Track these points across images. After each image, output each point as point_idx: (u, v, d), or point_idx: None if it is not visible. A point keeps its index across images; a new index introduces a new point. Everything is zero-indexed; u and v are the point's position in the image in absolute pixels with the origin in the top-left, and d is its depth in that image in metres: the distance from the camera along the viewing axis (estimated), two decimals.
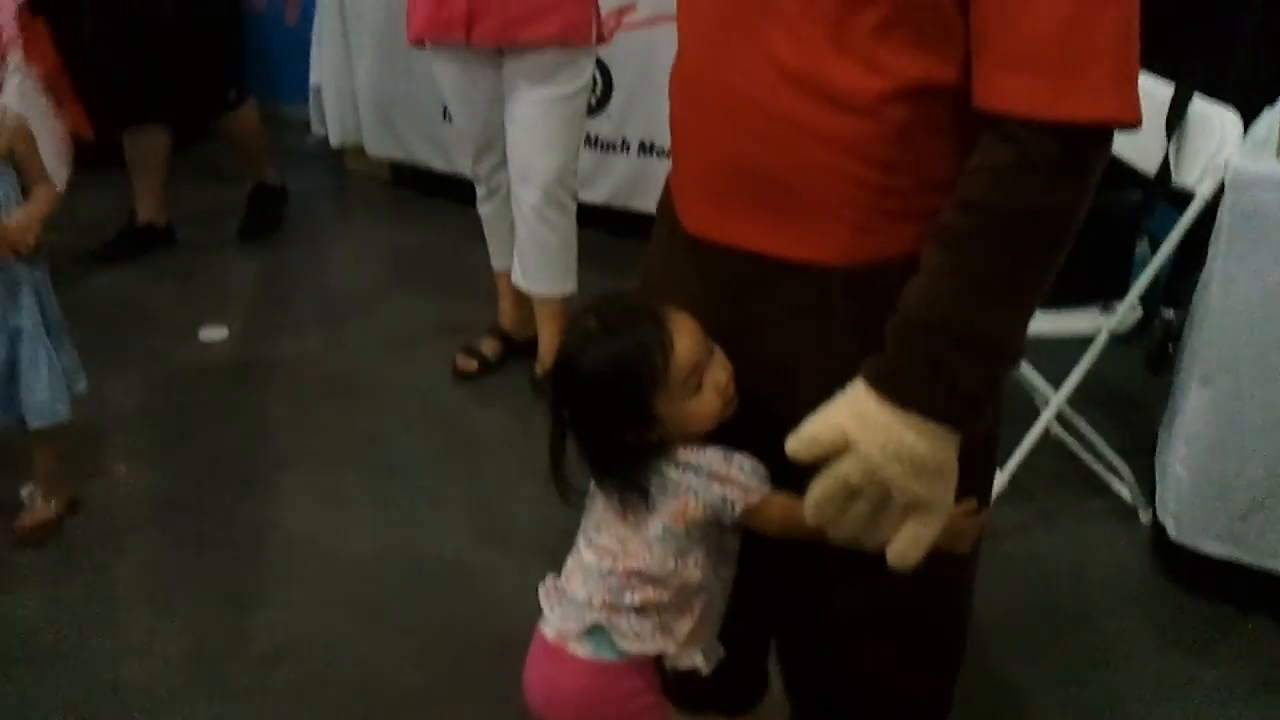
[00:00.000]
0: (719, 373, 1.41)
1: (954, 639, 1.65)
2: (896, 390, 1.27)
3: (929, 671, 1.64)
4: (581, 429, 1.46)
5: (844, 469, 1.29)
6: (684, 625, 1.50)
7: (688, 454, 1.42)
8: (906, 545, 1.31)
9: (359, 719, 2.15)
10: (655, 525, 1.45)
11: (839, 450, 1.29)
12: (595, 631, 1.51)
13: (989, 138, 1.22)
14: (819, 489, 1.31)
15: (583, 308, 1.47)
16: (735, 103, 1.34)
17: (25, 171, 2.49)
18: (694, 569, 1.46)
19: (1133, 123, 1.21)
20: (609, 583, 1.48)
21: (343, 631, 2.38)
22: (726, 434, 1.48)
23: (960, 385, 1.26)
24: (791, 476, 1.35)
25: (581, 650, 1.52)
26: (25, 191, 2.48)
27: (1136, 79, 1.21)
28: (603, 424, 1.44)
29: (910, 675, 1.62)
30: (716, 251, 1.43)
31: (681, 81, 1.46)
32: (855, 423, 1.28)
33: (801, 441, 1.30)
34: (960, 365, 1.25)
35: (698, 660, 1.53)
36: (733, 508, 1.42)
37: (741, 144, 1.35)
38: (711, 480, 1.41)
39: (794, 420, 1.31)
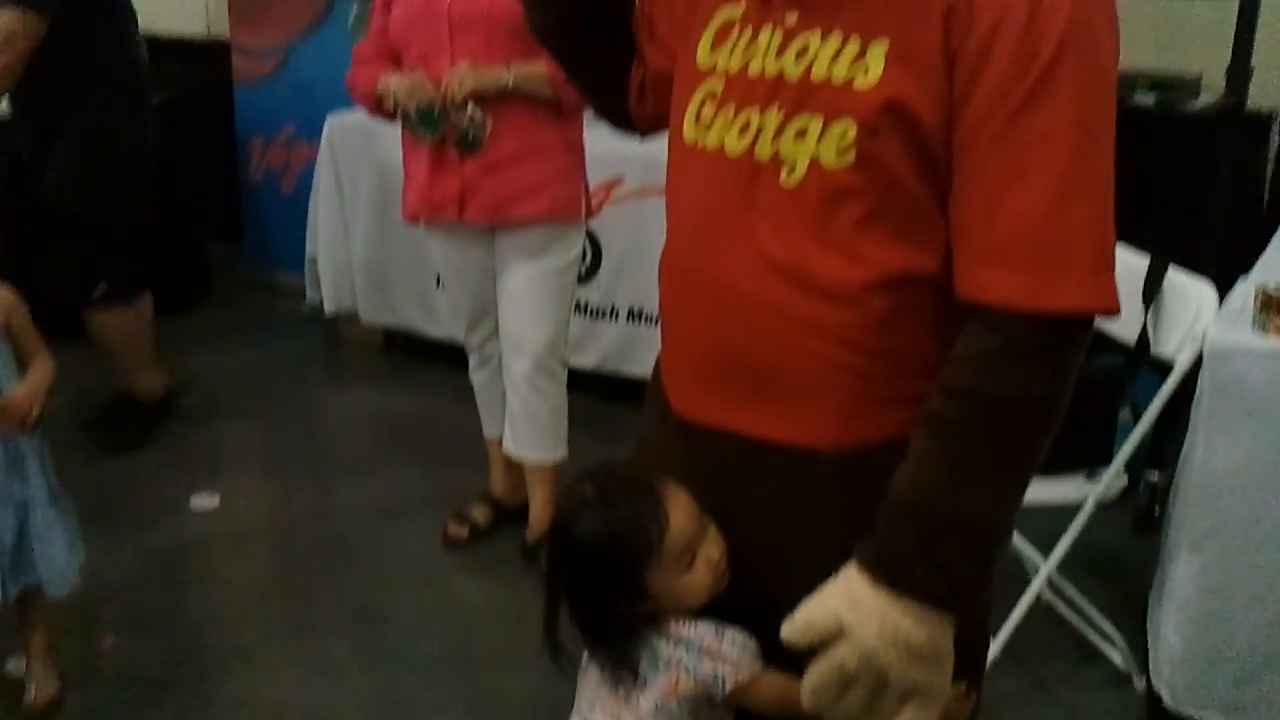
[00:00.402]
0: (712, 548, 1.42)
1: None
2: (890, 575, 1.28)
3: None
4: (574, 596, 1.47)
5: (840, 655, 1.29)
6: None
7: (680, 628, 1.42)
8: None
9: None
10: (647, 701, 1.44)
11: (834, 636, 1.29)
12: None
13: (972, 326, 1.26)
14: (815, 675, 1.32)
15: (581, 474, 1.48)
16: (723, 291, 1.38)
17: (21, 344, 2.50)
18: None
19: (1111, 312, 1.25)
20: None
21: None
22: (720, 611, 1.49)
23: (953, 570, 1.27)
24: (785, 654, 1.35)
25: None
26: (21, 364, 2.49)
27: (1113, 269, 1.25)
28: (595, 593, 1.44)
29: None
30: (707, 434, 1.46)
31: (670, 269, 1.50)
32: (850, 608, 1.28)
33: (796, 628, 1.31)
34: (952, 550, 1.27)
35: None
36: (723, 684, 1.41)
37: (730, 331, 1.39)
38: (703, 656, 1.41)
39: (787, 601, 1.32)
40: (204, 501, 3.61)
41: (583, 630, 1.49)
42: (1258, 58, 3.42)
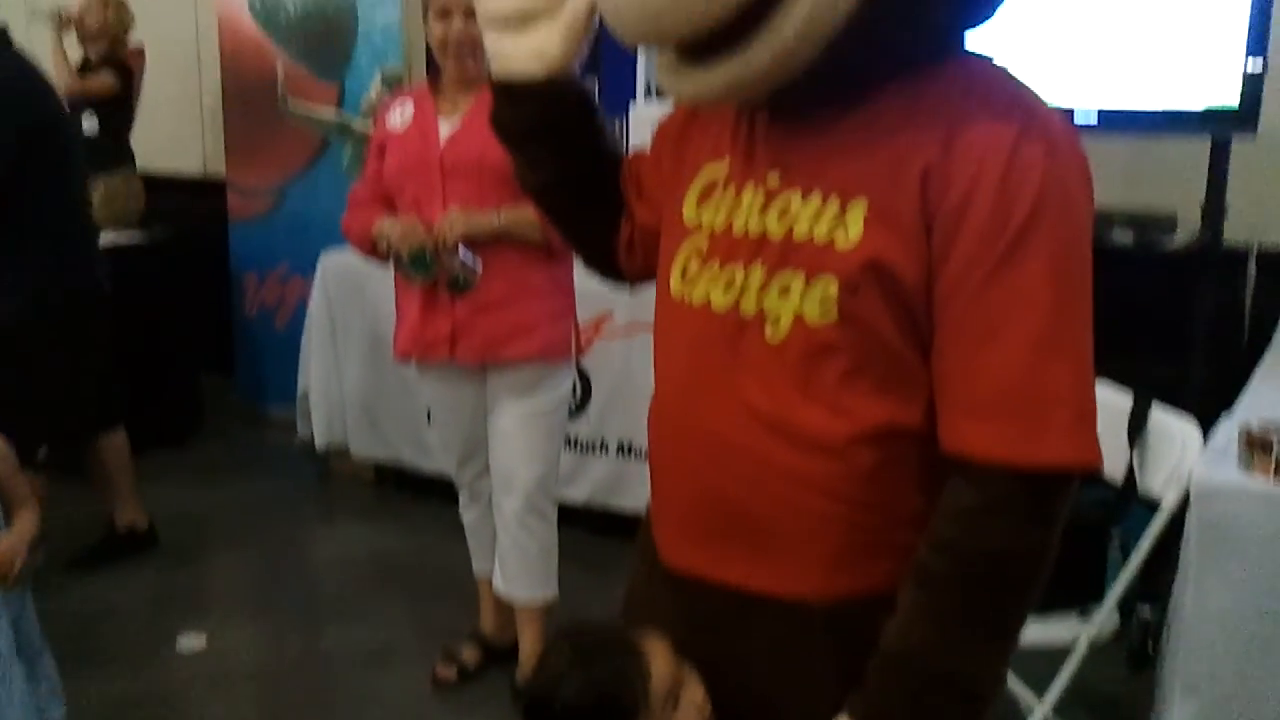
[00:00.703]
0: (695, 692, 1.42)
1: None
2: None
3: None
4: None
5: None
6: None
7: None
8: None
9: None
10: None
11: None
12: None
13: (956, 480, 1.28)
14: None
15: (553, 637, 1.48)
16: (711, 443, 1.39)
17: (6, 494, 2.41)
18: None
19: (1093, 467, 1.27)
20: None
21: None
22: None
23: None
24: None
25: None
26: (6, 514, 2.40)
27: (1094, 424, 1.27)
28: None
29: None
30: (697, 585, 1.46)
31: (659, 421, 1.51)
32: None
33: None
34: (941, 705, 1.27)
35: None
36: None
37: (718, 482, 1.40)
38: None
39: None
40: (191, 642, 3.57)
41: None
42: (1231, 194, 3.49)
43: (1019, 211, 1.21)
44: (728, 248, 1.37)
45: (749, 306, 1.34)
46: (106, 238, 5.03)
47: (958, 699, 1.28)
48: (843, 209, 1.28)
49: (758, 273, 1.33)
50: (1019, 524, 1.25)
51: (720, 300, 1.37)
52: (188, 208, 5.90)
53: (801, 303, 1.30)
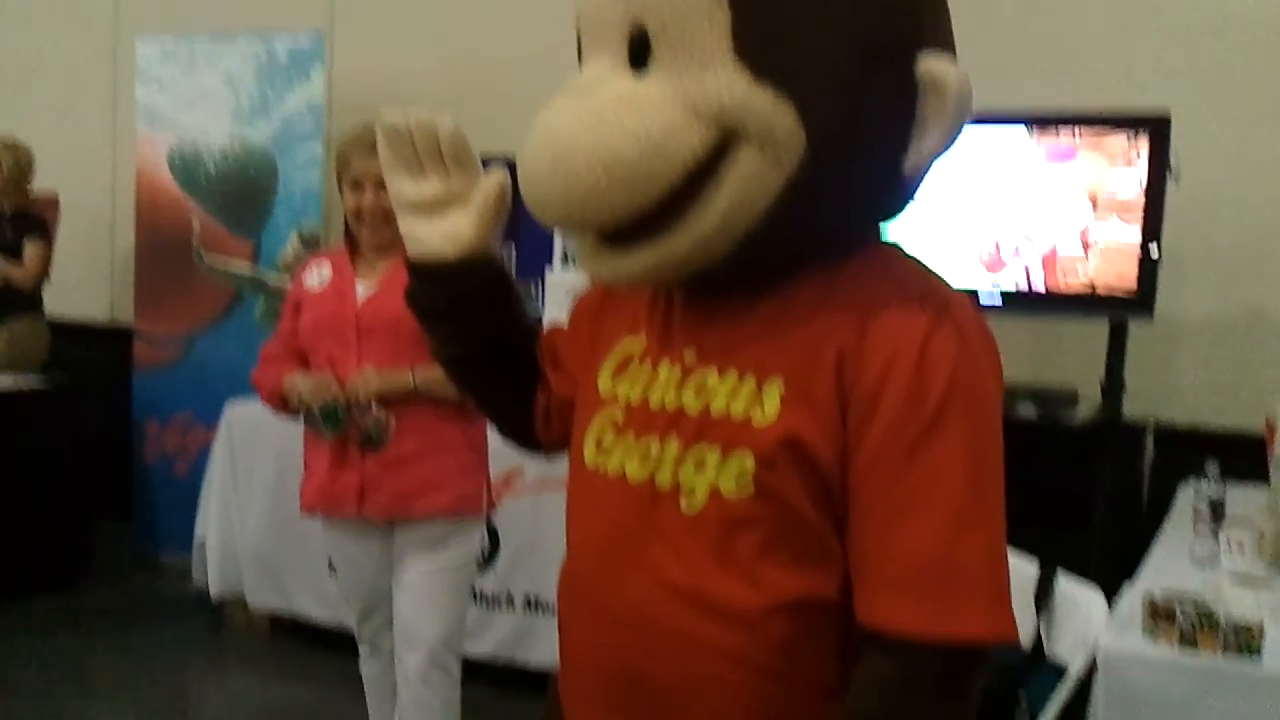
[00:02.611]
0: None
1: None
2: None
3: None
4: None
5: None
6: None
7: None
8: None
9: None
10: None
11: None
12: None
13: (873, 652, 1.28)
14: None
15: None
16: (624, 612, 1.38)
17: None
18: None
19: (1009, 640, 1.29)
20: None
21: None
22: None
23: None
24: None
25: None
26: None
27: (1009, 598, 1.29)
28: None
29: None
30: None
31: (570, 590, 1.50)
32: None
33: None
34: None
35: None
36: None
37: (631, 653, 1.38)
38: None
39: None
40: None
41: None
42: (1129, 373, 3.63)
43: (933, 395, 1.25)
44: (644, 420, 1.38)
45: (664, 478, 1.35)
46: (6, 381, 4.97)
47: None
48: (759, 387, 1.31)
49: (673, 445, 1.35)
50: (934, 697, 1.26)
51: (636, 471, 1.37)
52: (92, 354, 5.84)
53: (717, 476, 1.31)
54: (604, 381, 1.46)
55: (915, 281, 1.32)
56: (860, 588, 1.30)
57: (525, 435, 1.69)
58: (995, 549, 1.28)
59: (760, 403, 1.30)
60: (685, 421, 1.35)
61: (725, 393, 1.33)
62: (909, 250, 1.38)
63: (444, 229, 1.50)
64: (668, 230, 1.27)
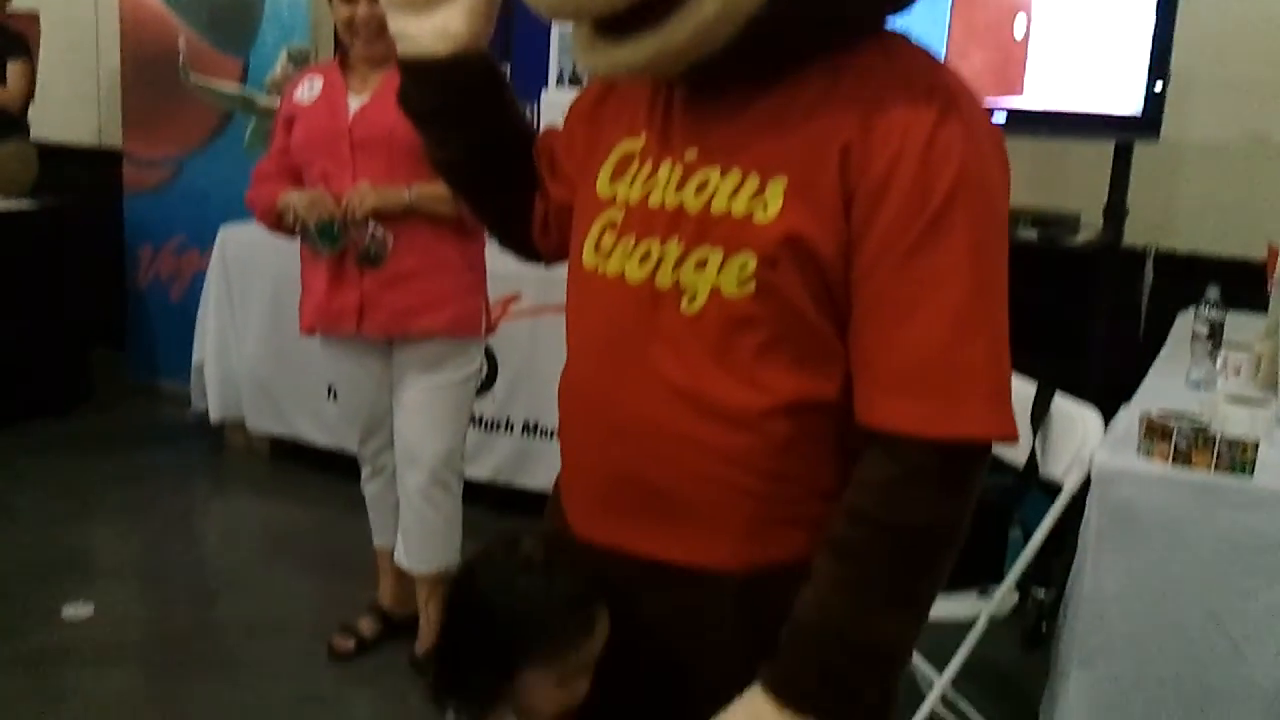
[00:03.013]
0: (585, 685, 1.40)
1: None
2: (793, 696, 1.29)
3: None
4: (451, 641, 1.43)
5: None
6: None
7: None
8: None
9: None
10: None
11: None
12: None
13: (872, 453, 1.29)
14: None
15: (529, 533, 1.43)
16: (624, 416, 1.39)
17: None
18: None
19: (1009, 438, 1.29)
20: None
21: None
22: None
23: (857, 693, 1.29)
24: None
25: None
26: None
27: (1009, 398, 1.29)
28: (458, 648, 1.41)
29: None
30: (607, 556, 1.45)
31: (570, 393, 1.50)
32: None
33: None
34: (855, 672, 1.28)
35: None
36: None
37: (630, 455, 1.39)
38: None
39: None
40: (77, 610, 3.48)
41: (435, 675, 1.45)
42: (1132, 198, 3.59)
43: (938, 191, 1.23)
44: (643, 221, 1.37)
45: (665, 280, 1.33)
46: None
47: (870, 667, 1.30)
48: (762, 185, 1.28)
49: (674, 246, 1.33)
50: (935, 496, 1.27)
51: (635, 273, 1.36)
52: (81, 178, 5.76)
53: (719, 277, 1.30)
54: (602, 183, 1.43)
55: (922, 74, 1.28)
56: (861, 387, 1.30)
57: (523, 243, 1.67)
58: (997, 348, 1.28)
59: (763, 201, 1.28)
60: (686, 221, 1.33)
61: (727, 191, 1.30)
62: (918, 42, 1.34)
63: (434, 25, 1.45)
64: (668, 17, 1.23)
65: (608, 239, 1.40)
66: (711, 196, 1.31)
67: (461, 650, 1.42)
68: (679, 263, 1.32)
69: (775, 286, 1.28)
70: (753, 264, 1.28)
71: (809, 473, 1.36)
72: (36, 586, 3.64)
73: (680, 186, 1.34)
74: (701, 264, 1.31)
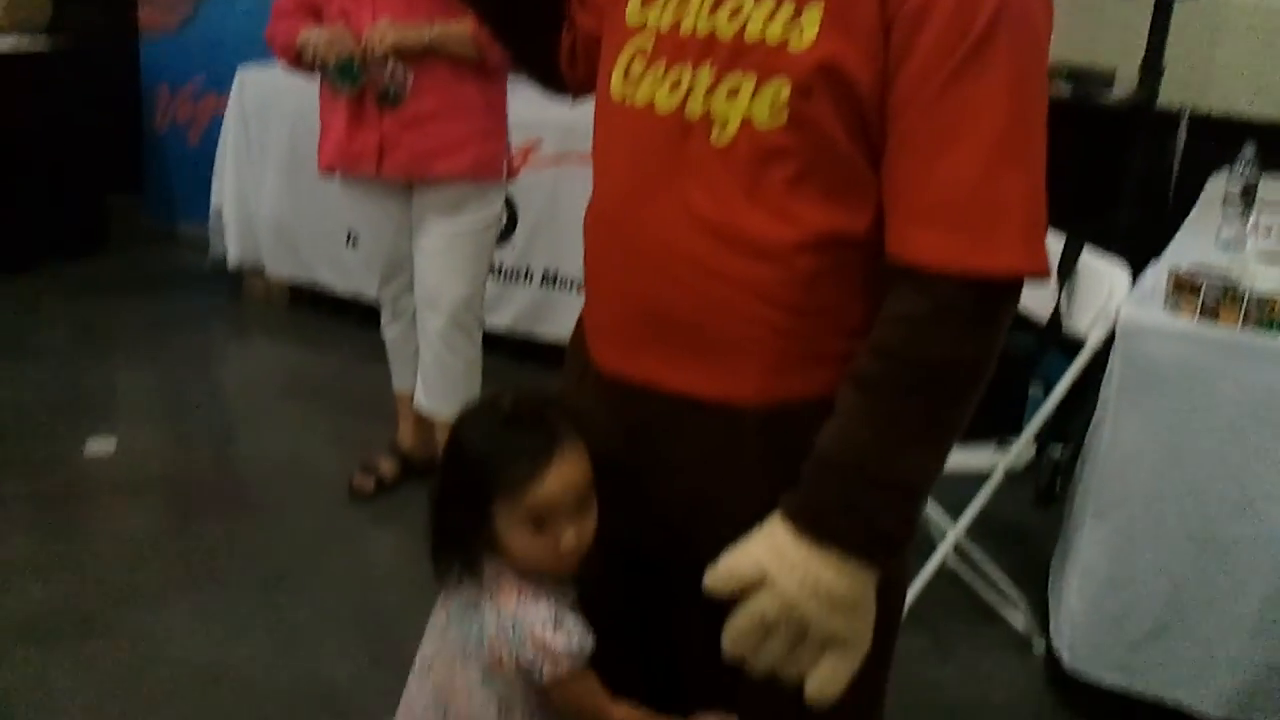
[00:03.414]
0: (571, 534, 1.39)
1: None
2: (814, 527, 1.29)
3: None
4: (439, 487, 1.46)
5: (761, 604, 1.30)
6: None
7: (516, 605, 1.39)
8: (824, 681, 1.32)
9: None
10: (475, 670, 1.42)
11: (756, 585, 1.30)
12: None
13: (902, 287, 1.27)
14: (736, 624, 1.32)
15: (517, 387, 1.46)
16: (651, 247, 1.37)
17: None
18: (520, 718, 1.43)
19: (1042, 274, 1.27)
20: None
21: None
22: (645, 567, 1.49)
23: (877, 524, 1.29)
24: (712, 613, 1.35)
25: None
26: None
27: (1045, 234, 1.27)
28: (448, 492, 1.44)
29: None
30: (630, 390, 1.45)
31: (597, 224, 1.48)
32: (772, 558, 1.29)
33: (718, 577, 1.31)
34: (876, 505, 1.28)
35: None
36: (540, 674, 1.39)
37: (656, 287, 1.38)
38: (527, 641, 1.38)
39: (711, 556, 1.33)
40: (99, 446, 3.53)
41: (431, 526, 1.49)
42: (1169, 56, 3.51)
43: (980, 19, 1.19)
44: (674, 48, 1.33)
45: (695, 109, 1.30)
46: (9, 43, 4.85)
47: (891, 500, 1.29)
48: (798, 10, 1.24)
49: (705, 74, 1.30)
50: (965, 331, 1.25)
51: (665, 102, 1.33)
52: (97, 19, 5.65)
53: (751, 106, 1.27)
54: (632, 10, 1.39)
55: None
56: (893, 220, 1.27)
57: (550, 75, 1.64)
58: (1034, 181, 1.25)
59: (799, 26, 1.24)
60: (718, 48, 1.29)
61: (762, 16, 1.26)
62: None
63: None
64: None
65: (637, 66, 1.37)
66: (745, 22, 1.27)
67: (444, 496, 1.46)
68: (710, 91, 1.29)
69: (809, 116, 1.25)
70: (786, 92, 1.24)
71: (836, 308, 1.35)
72: (59, 425, 3.68)
73: (713, 11, 1.30)
74: (733, 92, 1.28)
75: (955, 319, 1.24)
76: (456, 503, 1.42)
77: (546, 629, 1.37)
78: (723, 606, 1.33)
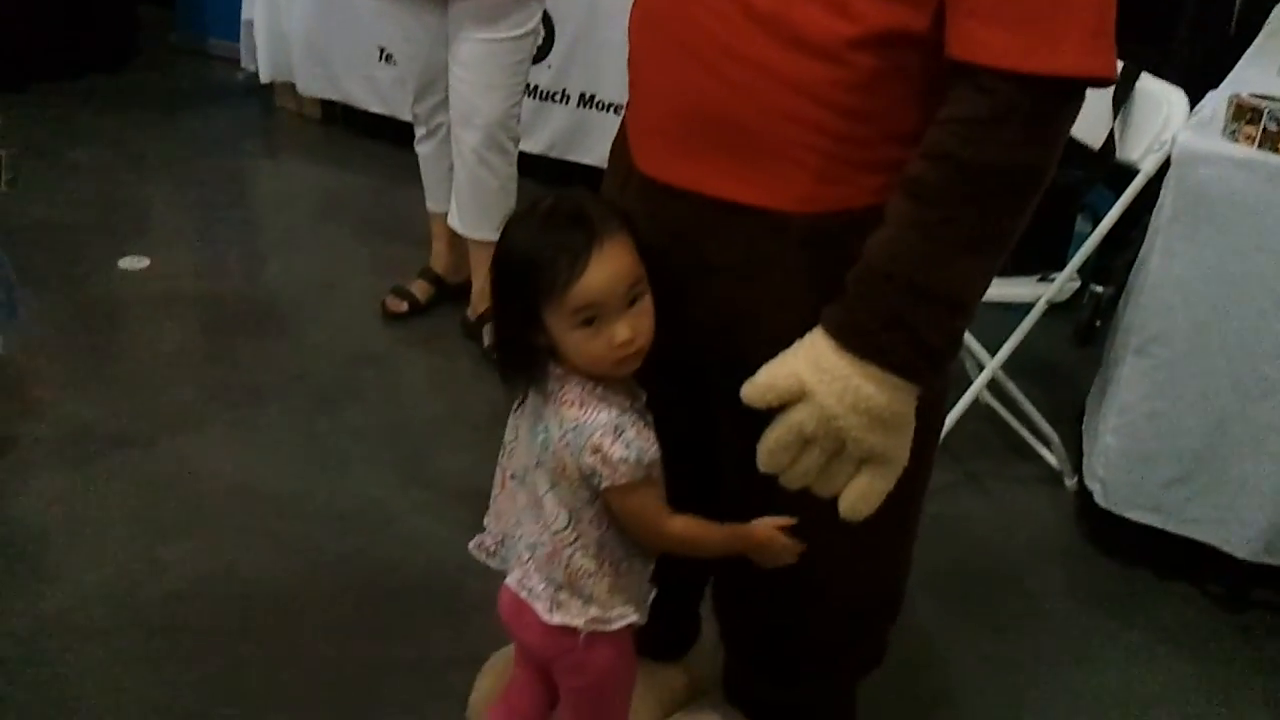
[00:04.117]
0: (621, 328, 1.34)
1: (891, 591, 1.66)
2: (856, 341, 1.26)
3: (865, 622, 1.65)
4: (494, 299, 1.44)
5: (799, 417, 1.28)
6: (600, 586, 1.45)
7: (578, 410, 1.37)
8: (859, 498, 1.31)
9: (276, 655, 2.11)
10: (544, 478, 1.41)
11: (795, 398, 1.28)
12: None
13: (961, 89, 1.22)
14: (773, 436, 1.31)
15: (559, 191, 1.42)
16: (699, 44, 1.32)
17: None
18: (590, 526, 1.42)
19: (1107, 77, 1.22)
20: (530, 534, 1.46)
21: (261, 567, 2.32)
22: (684, 377, 1.47)
23: (921, 338, 1.26)
24: (749, 427, 1.33)
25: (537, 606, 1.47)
26: None
27: (1112, 37, 1.21)
28: (502, 302, 1.41)
29: (846, 624, 1.63)
30: (673, 195, 1.41)
31: (643, 21, 1.44)
32: (812, 371, 1.27)
33: (757, 388, 1.30)
34: (921, 317, 1.25)
35: (630, 616, 1.48)
36: (599, 481, 1.37)
37: (704, 86, 1.33)
38: (586, 448, 1.35)
39: (751, 366, 1.31)
40: (133, 263, 3.51)
41: (494, 340, 1.48)
42: None
43: None
44: None
45: None
46: None
47: (935, 313, 1.26)
48: None
49: None
50: (1023, 134, 1.21)
51: None
52: None
53: None
54: None
55: None
56: (954, 17, 1.22)
57: None
58: None
59: None
60: None
61: None
62: None
63: None
64: None
65: None
66: None
67: (498, 306, 1.43)
68: None
69: None
70: None
71: (889, 113, 1.30)
72: (94, 238, 3.66)
73: None
74: None
75: (1014, 121, 1.20)
76: (509, 311, 1.40)
77: (605, 437, 1.35)
78: (761, 417, 1.31)
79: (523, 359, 1.41)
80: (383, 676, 2.06)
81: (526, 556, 1.47)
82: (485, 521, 1.57)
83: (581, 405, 1.37)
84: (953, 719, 2.08)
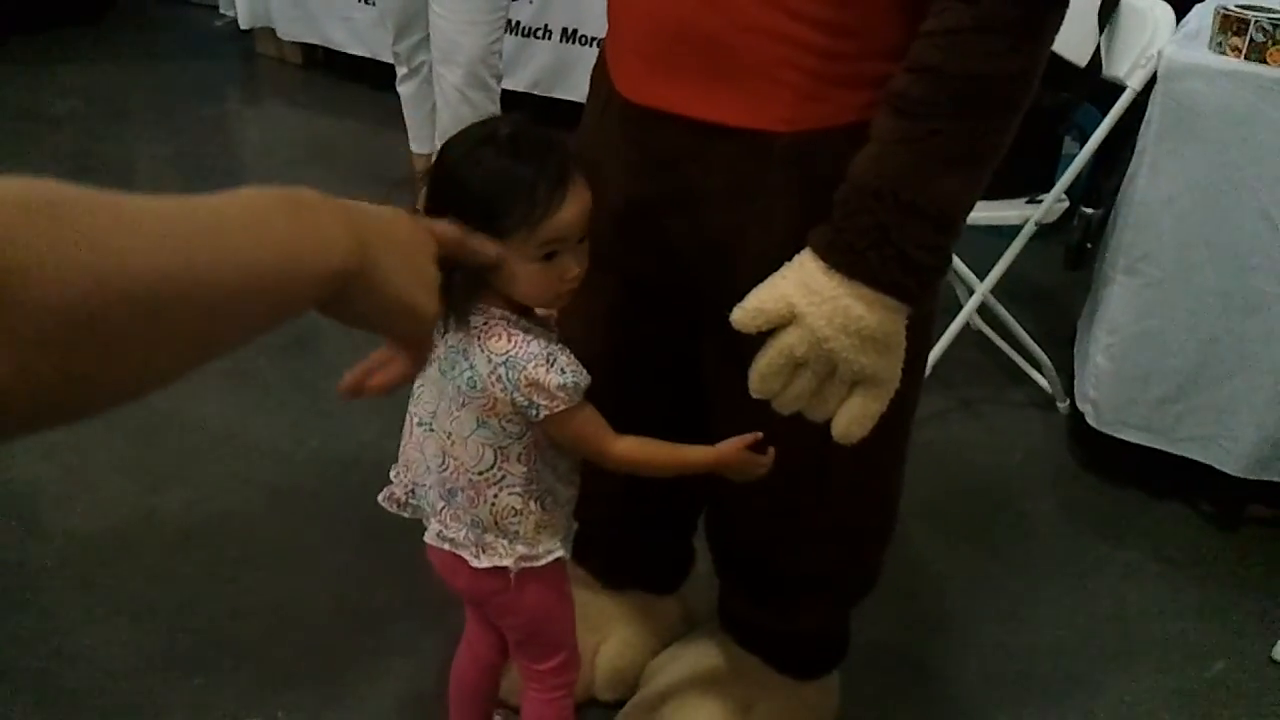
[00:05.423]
0: (573, 264, 1.30)
1: (884, 514, 1.66)
2: (844, 260, 1.25)
3: (858, 546, 1.65)
4: (429, 205, 1.31)
5: (790, 340, 1.27)
6: (527, 524, 1.41)
7: (508, 344, 1.32)
8: (852, 420, 1.30)
9: (274, 600, 2.11)
10: (469, 417, 1.36)
11: (785, 321, 1.27)
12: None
13: (944, 0, 1.20)
14: (764, 361, 1.29)
15: (504, 117, 1.36)
16: None
17: None
18: (517, 463, 1.38)
19: None
20: (443, 481, 1.41)
21: (256, 514, 2.32)
22: (671, 307, 1.45)
23: (909, 255, 1.24)
24: (738, 353, 1.32)
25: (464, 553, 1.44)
26: None
27: None
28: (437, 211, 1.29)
29: (840, 550, 1.63)
30: (654, 118, 1.39)
31: None
32: (801, 293, 1.26)
33: (746, 313, 1.28)
34: (909, 234, 1.23)
35: (556, 552, 1.44)
36: (537, 412, 1.32)
37: (683, 5, 1.31)
38: (521, 380, 1.31)
39: (740, 292, 1.29)
40: None
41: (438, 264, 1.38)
42: None
43: None
44: None
45: None
46: None
47: (923, 229, 1.24)
48: None
49: None
50: (1007, 45, 1.18)
51: None
52: None
53: None
54: None
55: None
56: None
57: None
58: None
59: None
60: None
61: None
62: None
63: None
64: None
65: None
66: None
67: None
68: None
69: None
70: None
71: (871, 27, 1.28)
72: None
73: None
74: None
75: (998, 31, 1.18)
76: None
77: (540, 367, 1.30)
78: (751, 341, 1.29)
79: (460, 293, 1.30)
80: (381, 618, 2.07)
81: (441, 505, 1.43)
82: (392, 472, 1.53)
83: (509, 339, 1.32)
84: (948, 642, 2.09)
